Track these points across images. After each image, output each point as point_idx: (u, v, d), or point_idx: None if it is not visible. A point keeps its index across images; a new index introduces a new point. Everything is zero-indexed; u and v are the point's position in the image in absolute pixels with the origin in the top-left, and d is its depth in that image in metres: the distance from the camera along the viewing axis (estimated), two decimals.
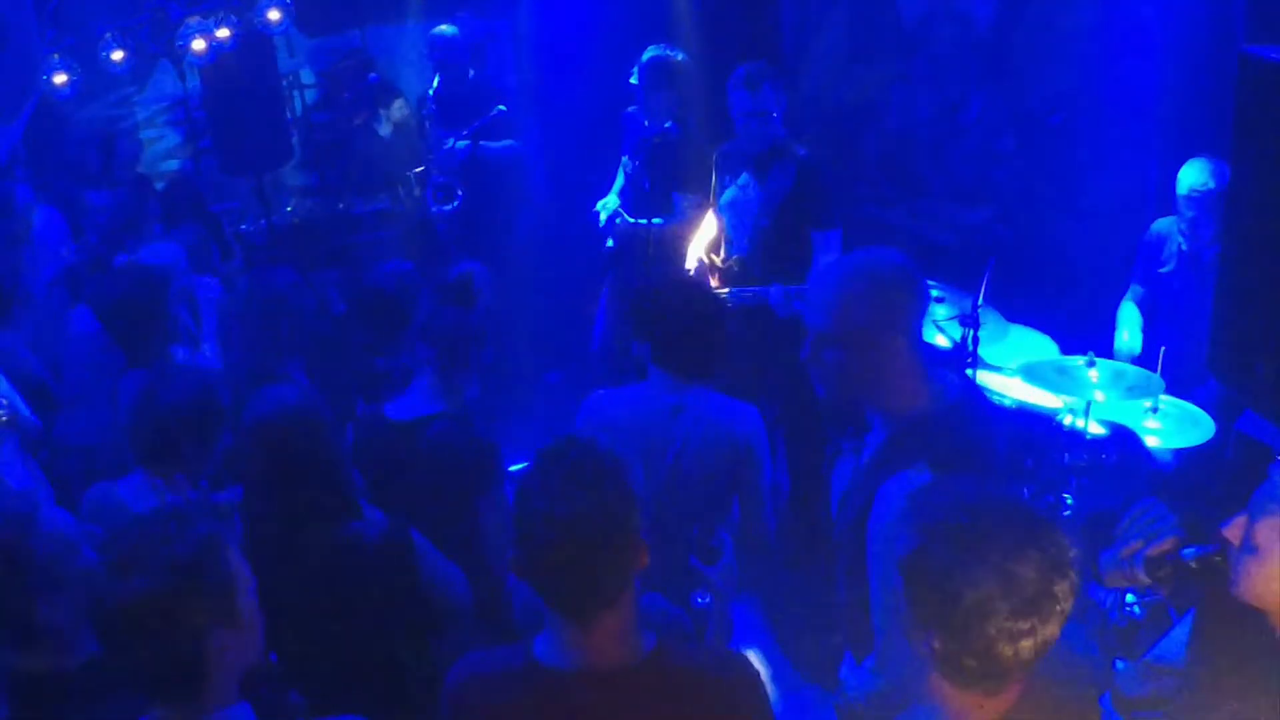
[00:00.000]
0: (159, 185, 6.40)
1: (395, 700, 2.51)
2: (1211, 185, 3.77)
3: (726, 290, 4.19)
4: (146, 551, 1.70)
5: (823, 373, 2.14)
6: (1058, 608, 1.52)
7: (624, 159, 4.99)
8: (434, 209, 5.45)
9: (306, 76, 7.62)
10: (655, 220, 4.56)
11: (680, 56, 4.65)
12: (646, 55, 4.65)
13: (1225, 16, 4.10)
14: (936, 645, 1.55)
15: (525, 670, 1.81)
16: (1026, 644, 1.51)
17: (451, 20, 5.86)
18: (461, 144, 5.35)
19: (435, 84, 5.61)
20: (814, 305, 2.13)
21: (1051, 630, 1.53)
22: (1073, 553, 1.54)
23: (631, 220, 4.76)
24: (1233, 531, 1.83)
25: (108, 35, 5.72)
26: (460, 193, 5.34)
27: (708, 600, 2.36)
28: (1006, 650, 1.51)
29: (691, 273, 4.20)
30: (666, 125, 4.66)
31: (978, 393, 2.32)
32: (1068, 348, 4.06)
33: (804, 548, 4.56)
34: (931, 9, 5.11)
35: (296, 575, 2.41)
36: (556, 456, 1.77)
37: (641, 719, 1.79)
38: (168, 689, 1.74)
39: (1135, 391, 3.59)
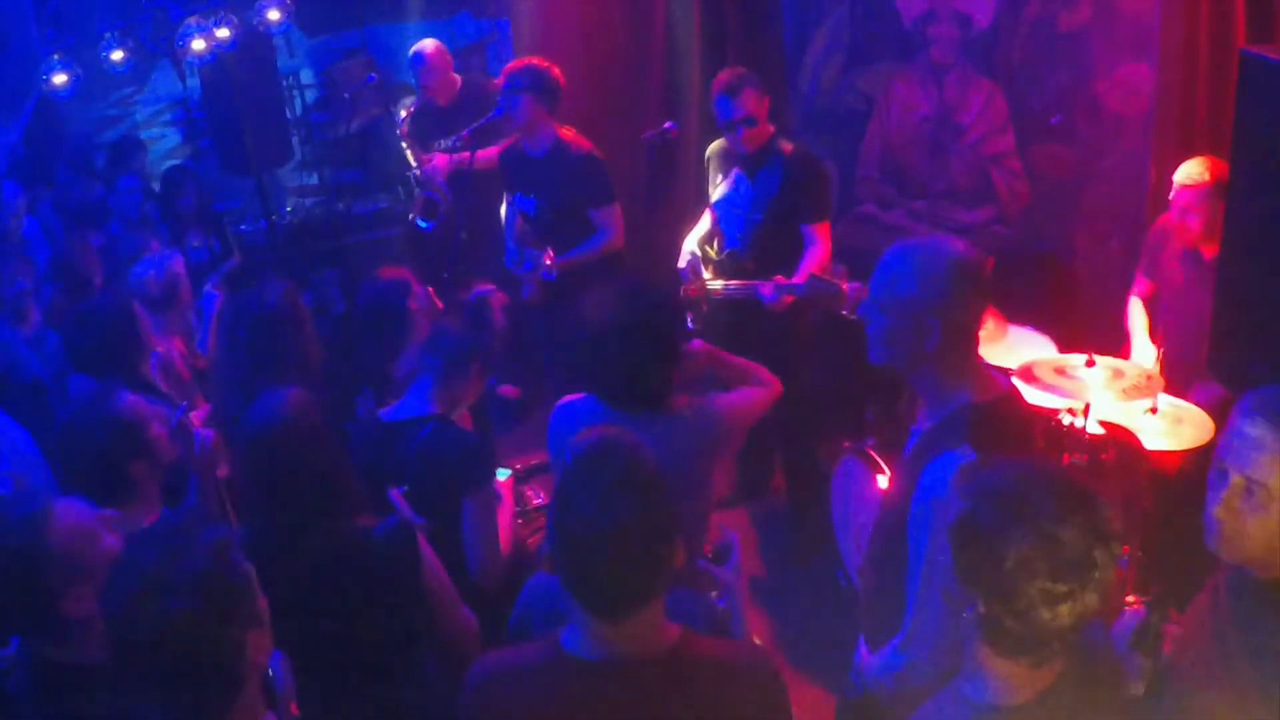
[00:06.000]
0: (157, 186, 6.41)
1: (385, 705, 2.51)
2: (1206, 178, 3.78)
3: (721, 283, 4.28)
4: (165, 572, 1.61)
5: (871, 336, 2.20)
6: (1097, 574, 1.57)
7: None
8: (418, 224, 5.39)
9: (306, 76, 7.64)
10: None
11: (554, 73, 4.55)
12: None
13: (1225, 16, 4.09)
14: (981, 608, 1.62)
15: (554, 662, 1.80)
16: (1065, 609, 1.57)
17: (451, 21, 5.85)
18: (445, 146, 5.30)
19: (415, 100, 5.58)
20: (876, 271, 2.20)
21: (1090, 599, 1.58)
22: (1116, 526, 1.60)
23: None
24: (1228, 504, 1.80)
25: (108, 35, 5.72)
26: (442, 210, 5.28)
27: (725, 600, 2.36)
28: (1045, 614, 1.57)
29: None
30: (665, 125, 4.67)
31: (1018, 391, 2.38)
32: (1066, 348, 4.06)
33: (803, 547, 4.57)
34: (931, 9, 5.11)
35: (299, 573, 2.41)
36: (600, 459, 1.75)
37: (667, 708, 1.80)
38: (207, 707, 1.66)
39: (1133, 392, 3.58)
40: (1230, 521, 1.78)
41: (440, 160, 5.36)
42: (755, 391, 2.97)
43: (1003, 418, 2.13)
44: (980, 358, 2.24)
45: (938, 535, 1.93)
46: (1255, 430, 1.75)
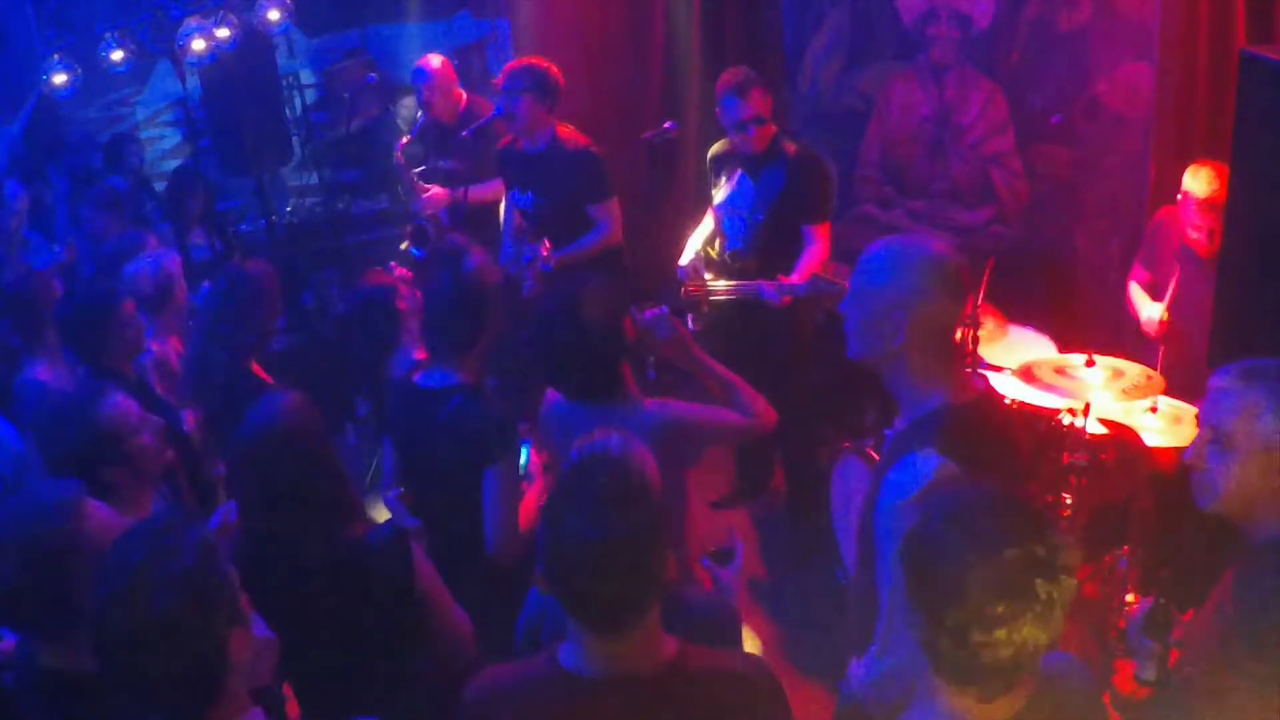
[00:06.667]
0: (159, 185, 6.41)
1: (381, 709, 2.51)
2: (1222, 192, 3.73)
3: (723, 283, 4.28)
4: (155, 570, 1.63)
5: (846, 329, 2.20)
6: (1037, 607, 1.51)
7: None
8: (411, 253, 5.35)
9: (306, 76, 7.65)
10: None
11: (554, 73, 4.52)
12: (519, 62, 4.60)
13: (1225, 16, 4.09)
14: (921, 624, 1.59)
15: (552, 679, 1.79)
16: (1001, 634, 1.51)
17: (450, 21, 5.84)
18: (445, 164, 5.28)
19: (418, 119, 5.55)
20: (856, 265, 2.21)
21: (1032, 633, 1.52)
22: (1068, 562, 1.54)
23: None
24: (1198, 451, 2.01)
25: (108, 35, 5.73)
26: (433, 239, 5.25)
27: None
28: (979, 636, 1.51)
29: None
30: (665, 125, 4.67)
31: (997, 395, 2.37)
32: (1066, 348, 4.06)
33: (803, 547, 4.57)
34: (931, 9, 5.11)
35: (295, 579, 2.41)
36: (588, 475, 1.75)
37: None
38: (189, 705, 1.67)
39: (1133, 392, 3.58)
40: (1200, 468, 2.00)
41: (439, 195, 5.31)
42: (728, 415, 2.86)
43: (977, 420, 2.10)
44: (960, 362, 2.22)
45: (898, 540, 1.93)
46: (1224, 383, 1.98)
